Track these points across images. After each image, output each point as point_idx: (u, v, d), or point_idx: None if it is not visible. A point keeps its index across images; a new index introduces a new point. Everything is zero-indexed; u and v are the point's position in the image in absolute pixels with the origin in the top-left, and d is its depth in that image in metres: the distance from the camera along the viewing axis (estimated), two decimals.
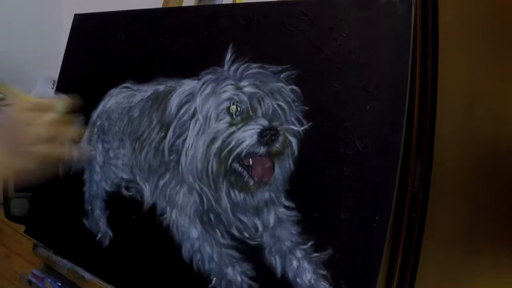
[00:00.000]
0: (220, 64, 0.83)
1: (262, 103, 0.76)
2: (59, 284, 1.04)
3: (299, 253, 0.70)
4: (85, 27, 1.14)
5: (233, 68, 0.81)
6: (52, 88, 1.38)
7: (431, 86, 0.68)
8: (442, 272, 0.75)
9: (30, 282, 1.09)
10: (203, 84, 0.84)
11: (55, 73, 1.21)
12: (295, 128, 0.73)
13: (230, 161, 0.78)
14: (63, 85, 1.15)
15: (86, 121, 1.04)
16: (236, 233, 0.77)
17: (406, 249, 0.67)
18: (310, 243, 0.69)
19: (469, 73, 0.79)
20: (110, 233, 0.95)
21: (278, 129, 0.74)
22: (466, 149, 0.79)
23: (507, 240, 0.92)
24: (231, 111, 0.79)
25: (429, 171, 0.67)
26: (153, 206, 0.89)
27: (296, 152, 0.72)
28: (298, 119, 0.73)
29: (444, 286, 0.78)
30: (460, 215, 0.79)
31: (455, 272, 0.80)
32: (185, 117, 0.84)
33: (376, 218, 0.63)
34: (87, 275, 0.97)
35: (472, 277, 0.86)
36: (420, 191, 0.67)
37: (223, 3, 1.23)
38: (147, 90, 0.94)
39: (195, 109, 0.83)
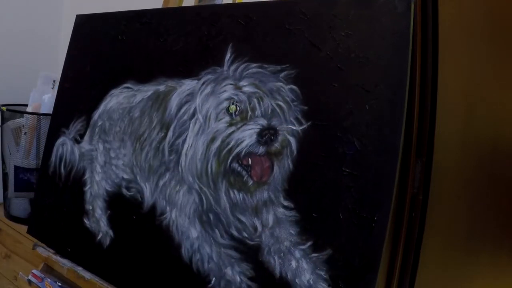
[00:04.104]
0: (220, 64, 0.83)
1: (261, 102, 0.76)
2: (59, 284, 1.04)
3: (298, 253, 0.70)
4: (87, 27, 1.14)
5: (232, 67, 0.81)
6: (52, 88, 1.39)
7: (431, 85, 0.67)
8: (442, 272, 0.75)
9: (30, 282, 1.09)
10: (203, 84, 0.84)
11: (55, 73, 1.21)
12: (294, 128, 0.72)
13: (229, 160, 0.77)
14: (65, 86, 1.15)
15: (88, 121, 1.04)
16: (235, 233, 0.77)
17: (406, 249, 0.67)
18: (309, 243, 0.69)
19: (469, 72, 0.78)
20: (111, 233, 0.96)
21: (277, 128, 0.74)
22: (466, 149, 0.78)
23: (507, 240, 0.92)
24: (230, 110, 0.79)
25: (429, 171, 0.67)
26: (153, 206, 0.89)
27: (295, 152, 0.72)
28: (297, 119, 0.72)
29: (444, 286, 0.77)
30: (460, 215, 0.78)
31: (455, 272, 0.80)
32: (185, 117, 0.84)
33: (375, 218, 0.63)
34: (87, 275, 0.97)
35: (472, 277, 0.85)
36: (420, 191, 0.67)
37: (223, 3, 1.23)
38: (147, 90, 0.94)
39: (195, 109, 0.83)
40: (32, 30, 1.69)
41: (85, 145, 1.04)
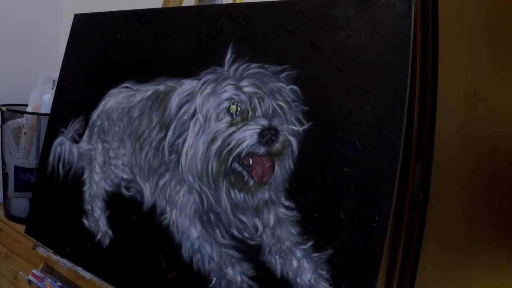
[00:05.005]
0: (220, 64, 0.83)
1: (262, 103, 0.76)
2: (59, 284, 1.03)
3: (299, 253, 0.70)
4: (85, 27, 1.14)
5: (233, 68, 0.81)
6: (52, 88, 1.38)
7: (431, 85, 0.68)
8: (442, 272, 0.75)
9: (30, 282, 1.09)
10: (203, 84, 0.84)
11: (55, 73, 1.21)
12: (295, 128, 0.72)
13: (230, 161, 0.77)
14: (63, 85, 1.15)
15: (86, 121, 1.04)
16: (236, 233, 0.77)
17: (406, 249, 0.67)
18: (310, 243, 0.69)
19: (469, 72, 0.78)
20: (110, 233, 0.95)
21: (278, 129, 0.74)
22: (466, 149, 0.78)
23: (507, 240, 0.92)
24: (231, 111, 0.79)
25: (429, 171, 0.67)
26: (153, 206, 0.89)
27: (296, 152, 0.72)
28: (298, 119, 0.73)
29: (444, 286, 0.78)
30: (460, 215, 0.78)
31: (455, 272, 0.80)
32: (185, 117, 0.84)
33: (376, 218, 0.63)
34: (87, 275, 0.97)
35: (472, 277, 0.85)
36: (420, 191, 0.67)
37: (223, 3, 1.23)
38: (147, 90, 0.94)
39: (195, 109, 0.83)
40: (32, 30, 1.69)
41: (83, 144, 1.04)
